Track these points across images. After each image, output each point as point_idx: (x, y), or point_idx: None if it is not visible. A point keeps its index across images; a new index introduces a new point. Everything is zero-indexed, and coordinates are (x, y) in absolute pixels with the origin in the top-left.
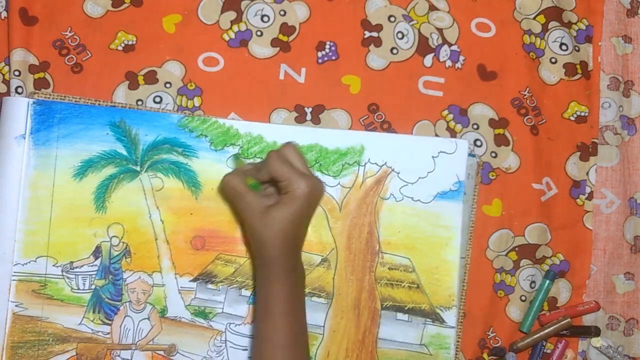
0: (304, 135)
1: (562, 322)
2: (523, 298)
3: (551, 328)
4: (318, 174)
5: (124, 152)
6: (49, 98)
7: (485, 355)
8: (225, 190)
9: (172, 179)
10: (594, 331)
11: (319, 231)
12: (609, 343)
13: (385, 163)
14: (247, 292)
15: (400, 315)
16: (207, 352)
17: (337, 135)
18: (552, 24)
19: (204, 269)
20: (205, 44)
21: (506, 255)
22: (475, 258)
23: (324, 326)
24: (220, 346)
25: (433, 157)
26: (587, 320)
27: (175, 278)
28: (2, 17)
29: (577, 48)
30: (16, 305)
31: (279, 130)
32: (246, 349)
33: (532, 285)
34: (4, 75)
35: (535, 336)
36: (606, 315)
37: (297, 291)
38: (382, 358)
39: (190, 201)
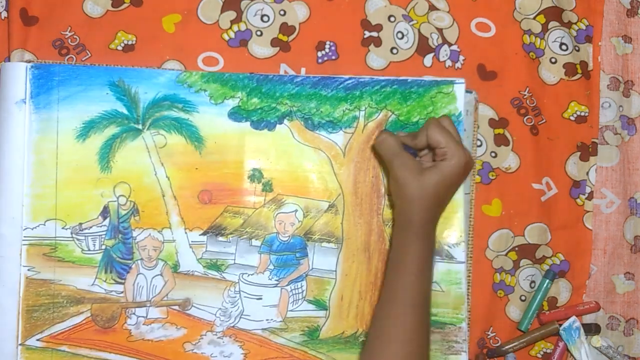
0: (303, 85)
1: (549, 328)
2: (523, 298)
3: (537, 333)
4: (317, 119)
5: (125, 111)
6: None
7: None
8: (382, 148)
9: (174, 135)
10: (594, 329)
11: (324, 178)
12: (609, 343)
13: (385, 106)
14: (258, 242)
15: None
16: (222, 304)
17: (336, 82)
18: (552, 24)
19: (213, 222)
20: (205, 43)
21: (506, 255)
22: (475, 258)
23: (336, 270)
24: (235, 297)
25: (431, 97)
26: (587, 320)
27: (185, 233)
28: (2, 17)
29: (577, 48)
30: (28, 270)
31: (276, 81)
32: (260, 298)
33: (532, 285)
34: None
35: (521, 340)
36: (606, 315)
37: (430, 255)
38: None
39: (194, 156)
